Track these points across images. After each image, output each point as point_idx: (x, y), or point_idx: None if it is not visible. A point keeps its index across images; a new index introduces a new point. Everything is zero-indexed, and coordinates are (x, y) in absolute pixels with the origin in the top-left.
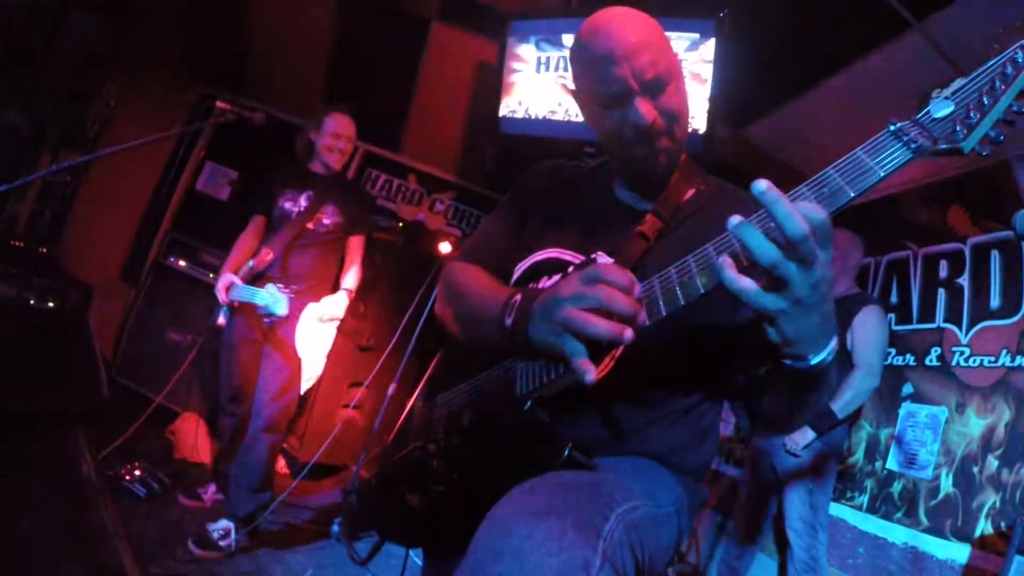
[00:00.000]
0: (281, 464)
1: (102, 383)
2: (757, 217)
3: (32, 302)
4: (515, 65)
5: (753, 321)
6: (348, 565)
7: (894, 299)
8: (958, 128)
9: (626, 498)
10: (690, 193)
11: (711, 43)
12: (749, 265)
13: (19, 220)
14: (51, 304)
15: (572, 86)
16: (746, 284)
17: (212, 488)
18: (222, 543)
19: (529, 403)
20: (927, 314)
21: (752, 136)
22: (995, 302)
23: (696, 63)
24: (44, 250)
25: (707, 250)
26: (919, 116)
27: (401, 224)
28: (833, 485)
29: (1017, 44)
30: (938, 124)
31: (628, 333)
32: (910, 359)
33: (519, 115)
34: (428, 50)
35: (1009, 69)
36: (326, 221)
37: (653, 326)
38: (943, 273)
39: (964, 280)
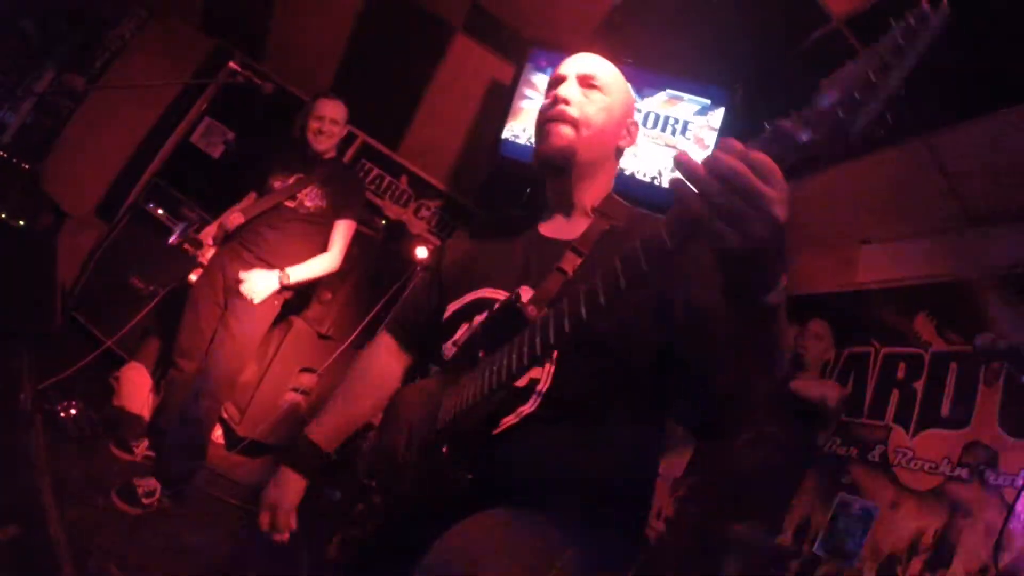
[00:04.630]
0: (218, 434)
1: (56, 312)
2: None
3: (3, 216)
4: (527, 92)
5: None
6: (265, 549)
7: (849, 390)
8: (841, 114)
9: (572, 546)
10: (607, 227)
11: (720, 112)
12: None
13: (7, 130)
14: (22, 222)
15: None
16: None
17: (145, 443)
18: (145, 500)
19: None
20: (877, 411)
21: None
22: (945, 411)
23: (702, 128)
24: (27, 166)
25: (614, 264)
26: (802, 110)
27: (384, 222)
28: None
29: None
30: (821, 113)
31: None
32: (854, 451)
33: (521, 141)
34: (446, 58)
35: (901, 41)
36: (308, 203)
37: (580, 359)
38: (900, 375)
39: (919, 385)
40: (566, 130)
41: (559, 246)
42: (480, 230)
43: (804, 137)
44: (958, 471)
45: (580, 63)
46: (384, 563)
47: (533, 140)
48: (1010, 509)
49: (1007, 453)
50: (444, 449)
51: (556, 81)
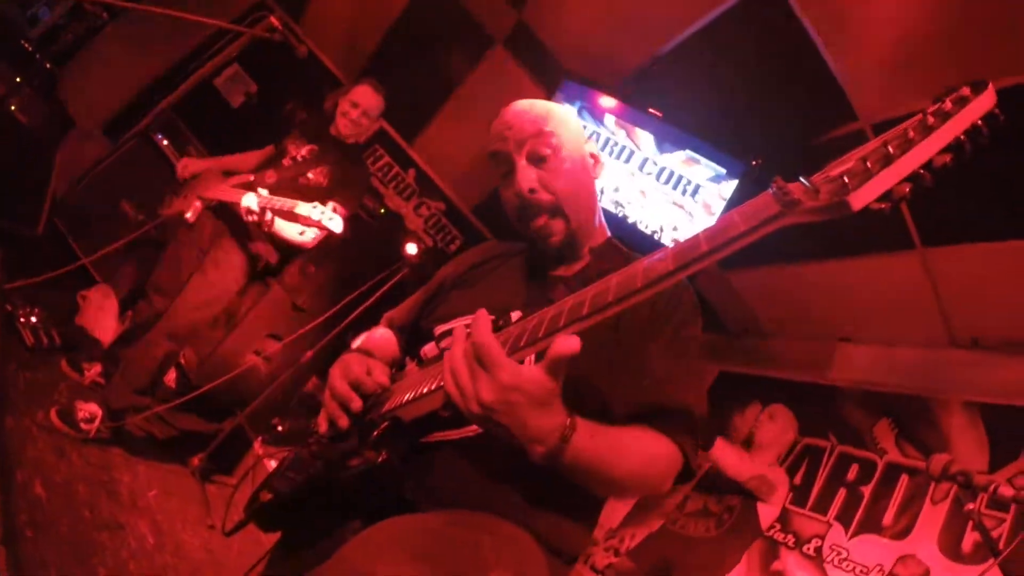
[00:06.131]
0: (170, 377)
1: (41, 216)
2: None
3: (13, 108)
4: None
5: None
6: (192, 499)
7: (798, 480)
8: (847, 181)
9: (497, 567)
10: (602, 268)
11: (733, 184)
12: None
13: (38, 25)
14: (29, 119)
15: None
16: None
17: (97, 368)
18: (83, 425)
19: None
20: (822, 506)
21: (733, 279)
22: (887, 520)
23: (712, 195)
24: (48, 65)
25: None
26: (812, 175)
27: (383, 211)
28: None
29: (949, 93)
30: (829, 180)
31: (342, 421)
32: (790, 539)
33: None
34: (479, 66)
35: (931, 120)
36: (311, 176)
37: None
38: (850, 476)
39: (867, 490)
40: (554, 222)
41: (553, 280)
42: (490, 255)
43: (805, 201)
44: None
45: (517, 128)
46: (296, 521)
47: (511, 220)
48: None
49: (939, 573)
50: (376, 431)
51: (501, 158)
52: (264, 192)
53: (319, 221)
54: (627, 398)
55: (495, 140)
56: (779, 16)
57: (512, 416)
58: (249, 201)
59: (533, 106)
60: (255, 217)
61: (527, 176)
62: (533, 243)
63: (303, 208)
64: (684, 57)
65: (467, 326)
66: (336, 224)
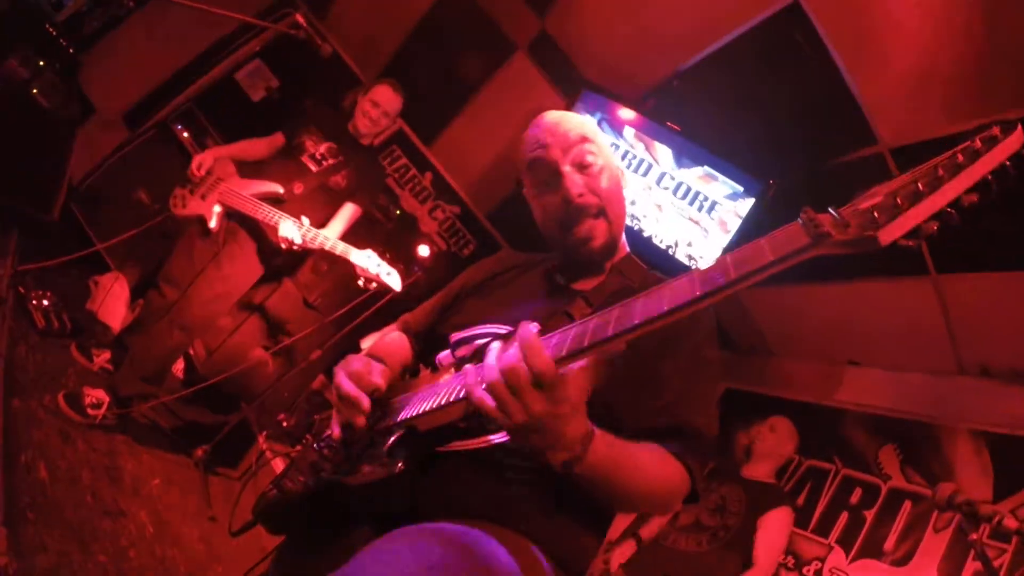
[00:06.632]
0: (179, 367)
1: (57, 202)
2: None
3: (35, 92)
4: None
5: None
6: (194, 491)
7: (801, 502)
8: (876, 216)
9: None
10: (621, 285)
11: (749, 202)
12: None
13: (63, 10)
14: (49, 104)
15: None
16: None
17: (106, 355)
18: (90, 411)
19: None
20: (824, 529)
21: (743, 296)
22: (888, 546)
23: (728, 212)
24: (72, 51)
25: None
26: (841, 208)
27: (398, 212)
28: None
29: (979, 132)
30: (858, 214)
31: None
32: (790, 560)
33: None
34: (500, 72)
35: (960, 158)
36: (332, 181)
37: None
38: (853, 499)
39: (870, 514)
40: (598, 224)
41: (573, 294)
42: (504, 262)
43: (835, 234)
44: None
45: (561, 136)
46: (303, 524)
47: (549, 228)
48: None
49: None
50: (391, 439)
51: (542, 165)
52: (306, 221)
53: (376, 275)
54: (639, 416)
55: (535, 148)
56: (802, 37)
57: (554, 425)
58: (291, 233)
59: (569, 116)
60: (297, 248)
61: (575, 181)
62: (565, 252)
63: (357, 257)
64: (705, 73)
65: (508, 341)
66: (395, 282)
